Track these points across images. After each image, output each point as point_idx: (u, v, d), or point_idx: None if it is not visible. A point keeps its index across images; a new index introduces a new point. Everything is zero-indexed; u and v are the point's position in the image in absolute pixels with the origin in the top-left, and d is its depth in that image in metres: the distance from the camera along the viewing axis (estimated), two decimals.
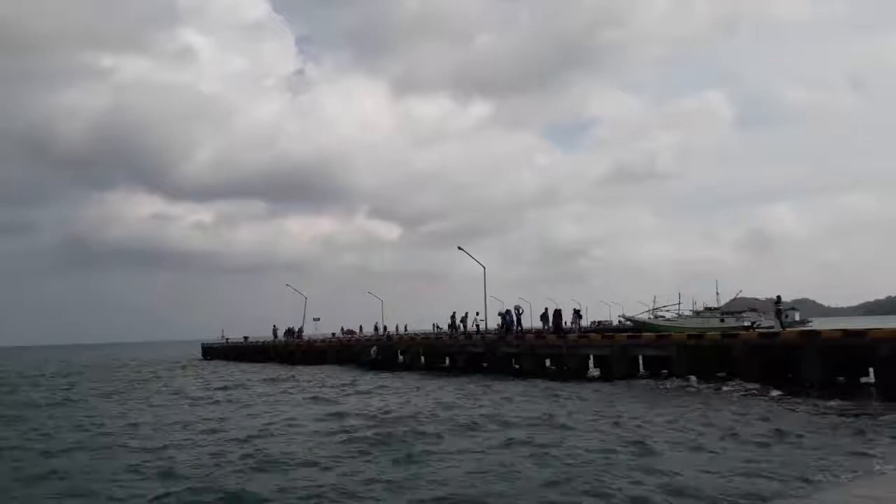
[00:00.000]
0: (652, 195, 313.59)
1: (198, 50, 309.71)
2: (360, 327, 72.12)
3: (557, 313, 37.13)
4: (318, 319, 69.18)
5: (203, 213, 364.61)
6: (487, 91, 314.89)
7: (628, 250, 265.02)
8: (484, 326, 46.01)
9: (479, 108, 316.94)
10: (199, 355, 75.61)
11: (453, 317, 45.28)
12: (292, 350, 57.29)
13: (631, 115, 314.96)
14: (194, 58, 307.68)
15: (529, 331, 39.98)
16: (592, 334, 33.67)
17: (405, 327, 71.55)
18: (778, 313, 28.43)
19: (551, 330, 36.36)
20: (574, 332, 37.31)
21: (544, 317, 38.62)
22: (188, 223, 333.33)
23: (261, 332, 73.60)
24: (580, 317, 41.63)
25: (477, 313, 46.82)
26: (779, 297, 28.12)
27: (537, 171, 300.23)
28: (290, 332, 66.01)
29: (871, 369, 21.14)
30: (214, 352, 73.95)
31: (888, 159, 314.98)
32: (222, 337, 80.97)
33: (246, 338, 74.43)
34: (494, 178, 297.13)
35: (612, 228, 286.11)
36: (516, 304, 41.13)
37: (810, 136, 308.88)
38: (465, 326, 45.20)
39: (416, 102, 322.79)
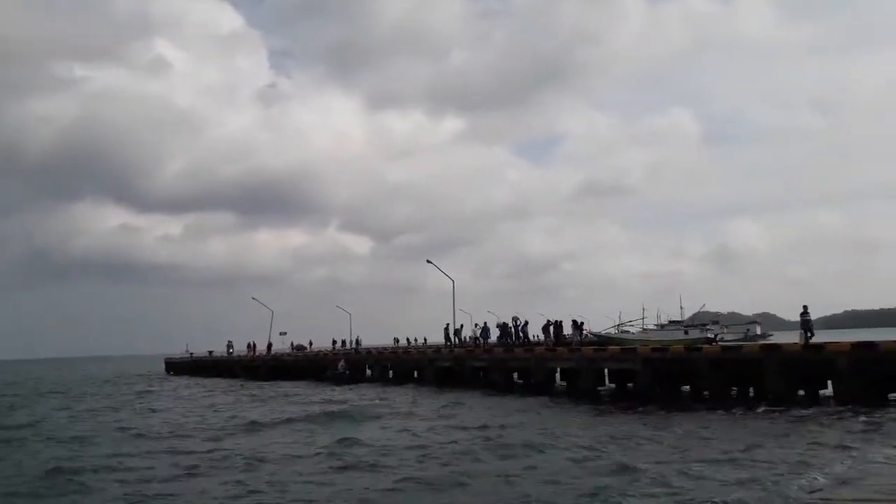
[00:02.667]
0: (621, 210, 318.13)
1: (172, 61, 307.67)
2: (310, 342, 70.47)
3: (558, 325, 37.08)
4: (285, 333, 68.13)
5: (172, 226, 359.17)
6: (461, 106, 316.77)
7: (598, 264, 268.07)
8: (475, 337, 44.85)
9: (453, 123, 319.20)
10: (163, 370, 74.34)
11: (447, 328, 44.17)
12: (258, 365, 56.53)
13: (601, 132, 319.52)
14: (168, 69, 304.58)
15: (537, 342, 39.55)
16: (560, 348, 33.75)
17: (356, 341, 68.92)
18: (804, 324, 25.14)
19: (552, 342, 36.05)
20: (574, 344, 36.62)
21: (546, 329, 38.54)
22: (156, 235, 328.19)
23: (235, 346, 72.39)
24: (581, 329, 41.08)
25: (475, 324, 45.93)
26: (805, 307, 25.52)
27: (509, 186, 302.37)
28: (248, 346, 65.81)
29: (829, 382, 21.63)
30: (178, 367, 72.68)
31: (849, 179, 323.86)
32: (186, 351, 79.56)
33: (211, 352, 73.26)
34: (467, 192, 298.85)
35: (583, 243, 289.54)
36: (514, 315, 41.39)
37: (775, 154, 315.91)
38: (459, 338, 44.22)
39: (391, 117, 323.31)
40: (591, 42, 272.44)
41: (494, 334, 42.12)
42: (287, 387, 39.52)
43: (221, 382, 49.68)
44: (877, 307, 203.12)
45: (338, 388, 36.59)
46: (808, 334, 24.23)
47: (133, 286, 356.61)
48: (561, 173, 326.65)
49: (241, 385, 43.78)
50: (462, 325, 44.52)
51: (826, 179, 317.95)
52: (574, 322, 38.82)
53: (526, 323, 41.03)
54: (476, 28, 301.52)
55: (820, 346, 21.81)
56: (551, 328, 37.47)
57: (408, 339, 72.02)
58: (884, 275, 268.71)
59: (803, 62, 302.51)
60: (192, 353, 77.26)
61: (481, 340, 40.73)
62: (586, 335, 38.81)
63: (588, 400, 25.04)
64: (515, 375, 32.83)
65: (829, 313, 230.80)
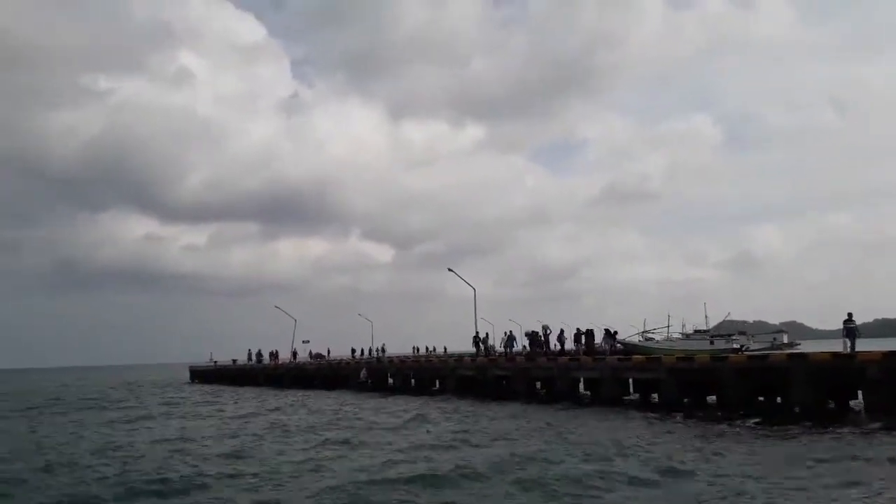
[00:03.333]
0: (640, 216, 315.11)
1: (194, 72, 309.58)
2: (328, 350, 70.78)
3: (589, 333, 36.74)
4: (308, 342, 68.73)
5: (196, 235, 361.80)
6: (481, 114, 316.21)
7: (617, 271, 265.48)
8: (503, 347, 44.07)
9: (473, 131, 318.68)
10: (187, 378, 75.10)
11: (476, 336, 43.99)
12: (282, 374, 56.88)
13: (620, 137, 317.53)
14: (190, 79, 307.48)
15: (562, 351, 39.22)
16: (584, 357, 33.57)
17: (380, 349, 69.01)
18: (849, 333, 24.60)
19: (583, 351, 35.60)
20: (606, 353, 36.47)
21: (577, 337, 38.21)
22: (181, 245, 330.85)
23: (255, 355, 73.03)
24: (613, 337, 40.52)
25: (505, 332, 44.87)
26: (850, 314, 24.99)
27: (528, 193, 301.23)
28: (271, 355, 66.67)
29: (859, 392, 21.24)
30: (202, 375, 73.32)
31: (871, 180, 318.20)
32: (210, 360, 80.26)
33: (234, 361, 73.90)
34: (486, 199, 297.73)
35: (602, 249, 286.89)
36: (544, 324, 41.25)
37: (796, 157, 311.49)
38: (485, 347, 43.92)
39: (411, 125, 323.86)
40: (610, 46, 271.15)
41: (521, 342, 41.72)
42: (331, 398, 38.50)
43: (255, 391, 49.89)
44: None
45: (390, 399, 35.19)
46: (852, 343, 23.71)
47: (157, 295, 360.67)
48: (580, 179, 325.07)
49: (288, 394, 43.56)
50: (487, 334, 44.28)
51: (846, 181, 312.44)
52: (606, 331, 38.30)
53: (562, 332, 40.63)
54: (495, 35, 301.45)
55: (850, 355, 21.44)
56: (582, 337, 36.97)
57: (426, 348, 72.17)
58: None
59: (820, 63, 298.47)
60: (216, 362, 77.92)
61: (508, 350, 40.51)
62: (608, 346, 38.31)
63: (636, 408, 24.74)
64: (538, 384, 32.69)
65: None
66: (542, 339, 40.32)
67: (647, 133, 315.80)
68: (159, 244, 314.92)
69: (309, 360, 63.90)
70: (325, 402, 35.65)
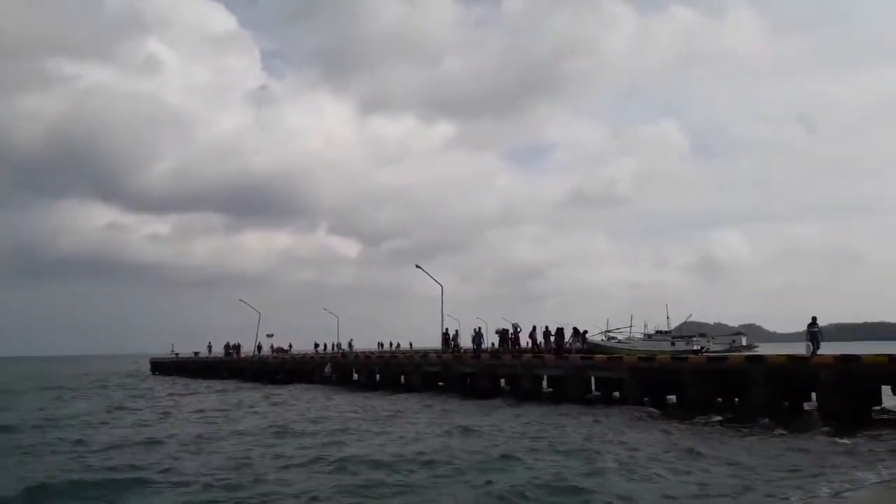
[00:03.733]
0: (608, 219, 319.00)
1: (163, 61, 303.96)
2: (290, 345, 69.89)
3: (559, 332, 36.95)
4: (272, 336, 68.10)
5: (160, 225, 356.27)
6: (453, 112, 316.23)
7: (584, 273, 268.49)
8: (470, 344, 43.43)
9: (444, 129, 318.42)
10: (148, 370, 74.04)
11: (446, 333, 43.85)
12: (244, 367, 56.34)
13: (590, 141, 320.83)
14: (159, 68, 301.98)
15: (535, 348, 39.20)
16: (547, 355, 33.90)
17: (348, 343, 69.02)
18: (812, 336, 24.69)
19: (553, 349, 35.67)
20: (573, 352, 35.44)
21: (546, 336, 38.38)
22: (144, 234, 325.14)
23: (216, 347, 72.35)
24: (584, 337, 40.57)
25: (475, 329, 44.37)
26: (814, 318, 25.15)
27: (498, 193, 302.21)
28: (227, 347, 66.54)
29: (813, 394, 21.84)
30: (164, 367, 72.34)
31: (834, 193, 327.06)
32: (172, 352, 79.23)
33: (196, 353, 73.09)
34: (456, 197, 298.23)
35: (569, 251, 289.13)
36: (514, 322, 41.51)
37: (760, 167, 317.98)
38: (456, 343, 43.88)
39: (382, 121, 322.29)
40: (582, 52, 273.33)
41: (490, 340, 41.89)
42: (297, 390, 39.49)
43: (220, 385, 49.36)
44: (860, 320, 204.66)
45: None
46: (816, 346, 24.07)
47: (119, 285, 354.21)
48: (549, 181, 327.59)
49: (254, 387, 43.42)
50: (457, 331, 44.24)
51: (807, 193, 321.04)
52: (575, 330, 38.59)
53: (534, 328, 40.80)
54: (469, 35, 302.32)
55: (805, 358, 22.02)
56: (552, 336, 37.25)
57: (390, 344, 71.90)
58: (866, 287, 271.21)
59: (788, 77, 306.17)
60: (177, 354, 76.93)
61: (476, 347, 40.64)
62: (578, 344, 38.55)
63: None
64: (503, 382, 32.93)
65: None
66: (513, 336, 40.60)
67: (616, 138, 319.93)
68: (122, 233, 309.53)
69: (271, 354, 63.22)
70: (291, 396, 35.50)
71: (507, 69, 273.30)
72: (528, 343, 40.99)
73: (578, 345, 37.09)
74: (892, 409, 20.87)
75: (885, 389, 20.85)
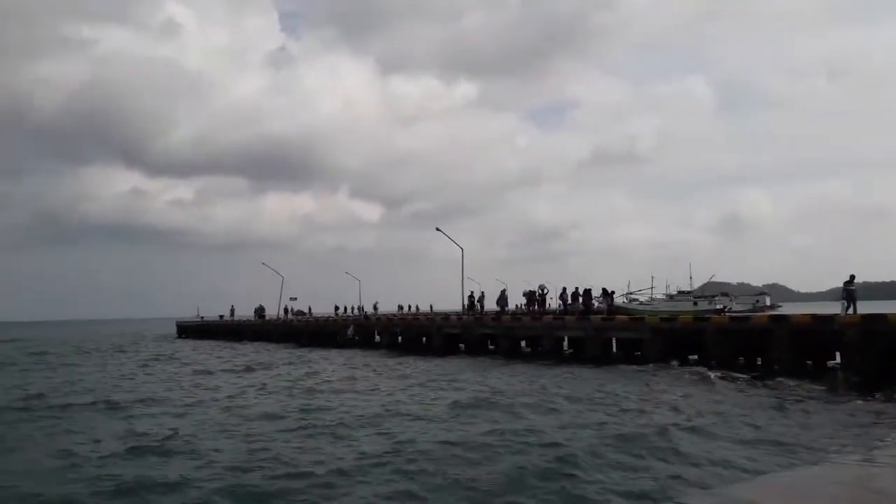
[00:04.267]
0: (631, 178, 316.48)
1: (181, 23, 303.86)
2: (310, 308, 69.61)
3: (587, 293, 36.78)
4: (295, 299, 68.74)
5: (182, 190, 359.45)
6: (473, 72, 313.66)
7: (605, 233, 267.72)
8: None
9: (465, 89, 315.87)
10: (174, 333, 75.43)
11: (472, 295, 43.50)
12: (269, 329, 57.16)
13: (613, 99, 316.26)
14: (177, 31, 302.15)
15: (565, 310, 38.43)
16: (567, 316, 33.94)
17: (373, 306, 69.59)
18: (849, 295, 24.20)
19: (581, 310, 35.42)
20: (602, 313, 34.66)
21: (575, 296, 38.06)
22: (167, 199, 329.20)
23: (238, 310, 73.60)
24: (611, 297, 40.12)
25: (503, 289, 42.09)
26: (852, 276, 24.59)
27: (519, 153, 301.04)
28: (259, 310, 66.87)
29: (837, 353, 21.72)
30: (189, 330, 73.62)
31: (862, 148, 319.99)
32: (197, 315, 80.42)
33: (221, 316, 74.14)
34: (477, 159, 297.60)
35: (591, 211, 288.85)
36: (541, 283, 41.32)
37: (787, 123, 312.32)
38: (482, 307, 43.51)
39: (401, 82, 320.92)
40: (605, 7, 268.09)
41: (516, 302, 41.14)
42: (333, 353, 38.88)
43: (252, 346, 50.14)
44: (889, 279, 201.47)
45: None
46: (853, 305, 23.71)
47: (143, 250, 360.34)
48: (571, 140, 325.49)
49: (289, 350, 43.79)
50: (483, 293, 43.29)
51: (836, 148, 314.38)
52: (604, 290, 38.32)
53: (564, 290, 40.30)
54: None
55: (830, 318, 21.85)
56: (580, 297, 36.96)
57: (409, 307, 72.32)
58: (895, 244, 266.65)
59: (816, 30, 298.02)
60: (202, 317, 78.11)
61: (502, 308, 40.58)
62: (604, 305, 38.23)
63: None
64: (524, 343, 33.13)
65: (839, 284, 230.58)
66: (540, 298, 40.60)
67: (640, 96, 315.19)
68: (145, 198, 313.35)
69: (289, 317, 63.78)
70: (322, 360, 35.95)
71: (527, 25, 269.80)
72: (559, 304, 40.84)
73: (605, 306, 36.78)
74: None
75: None
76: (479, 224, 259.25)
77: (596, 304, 36.89)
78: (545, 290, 41.11)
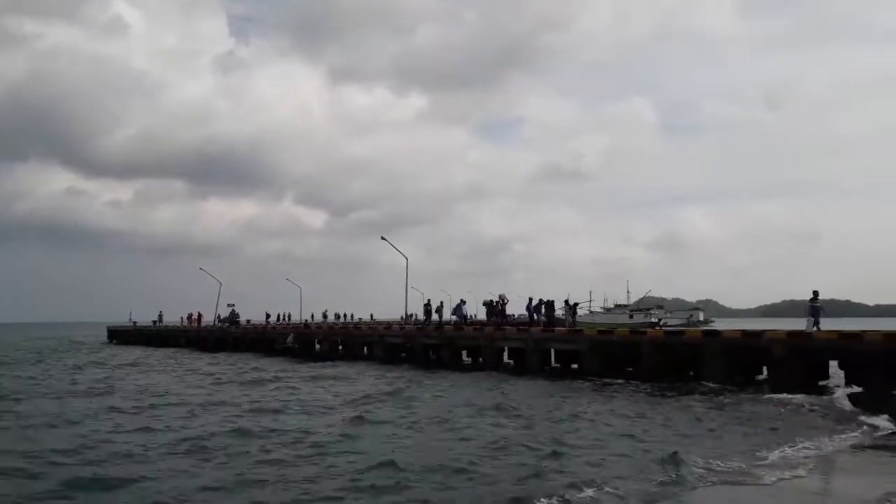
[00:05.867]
0: (578, 195, 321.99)
1: (129, 23, 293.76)
2: (244, 318, 68.01)
3: (550, 304, 36.81)
4: (233, 305, 67.28)
5: (121, 191, 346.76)
6: (426, 84, 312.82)
7: (551, 247, 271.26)
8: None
9: (416, 101, 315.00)
10: (105, 338, 72.94)
11: (428, 304, 42.99)
12: (204, 336, 55.77)
13: (562, 117, 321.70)
14: (125, 30, 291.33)
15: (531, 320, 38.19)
16: (508, 328, 34.21)
17: (322, 315, 69.22)
18: (814, 311, 24.00)
19: (544, 322, 35.33)
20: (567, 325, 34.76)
21: (537, 308, 37.87)
22: (104, 201, 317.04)
23: (171, 316, 71.66)
24: (574, 310, 39.92)
25: (461, 301, 42.08)
26: (815, 292, 24.57)
27: (468, 166, 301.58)
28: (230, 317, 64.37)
29: (764, 368, 22.49)
30: (121, 336, 71.30)
31: (797, 172, 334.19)
32: (130, 320, 77.96)
33: (154, 322, 72.14)
34: (426, 170, 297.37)
35: (537, 225, 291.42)
36: (500, 293, 41.22)
37: (728, 146, 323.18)
38: (440, 316, 42.74)
39: (353, 91, 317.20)
40: (558, 27, 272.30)
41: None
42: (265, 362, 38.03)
43: (187, 353, 48.70)
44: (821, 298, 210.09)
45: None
46: (816, 321, 23.51)
47: (77, 252, 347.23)
48: (520, 156, 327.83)
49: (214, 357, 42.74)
50: (441, 303, 42.61)
51: (773, 171, 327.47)
52: (566, 302, 38.53)
53: (530, 301, 39.89)
54: (444, 6, 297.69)
55: (758, 334, 22.64)
56: (543, 308, 36.96)
57: (336, 315, 71.68)
58: (824, 265, 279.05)
59: (758, 56, 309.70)
60: (135, 323, 75.76)
61: (462, 318, 40.35)
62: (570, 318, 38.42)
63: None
64: (465, 353, 33.20)
65: (768, 302, 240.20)
66: (500, 308, 40.60)
67: (588, 114, 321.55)
68: (81, 199, 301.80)
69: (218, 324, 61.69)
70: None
71: (481, 41, 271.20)
72: (525, 316, 40.57)
73: (570, 318, 36.95)
74: (837, 384, 21.46)
75: (833, 364, 21.55)
76: (426, 235, 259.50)
77: (561, 313, 37.29)
78: (505, 300, 41.15)
